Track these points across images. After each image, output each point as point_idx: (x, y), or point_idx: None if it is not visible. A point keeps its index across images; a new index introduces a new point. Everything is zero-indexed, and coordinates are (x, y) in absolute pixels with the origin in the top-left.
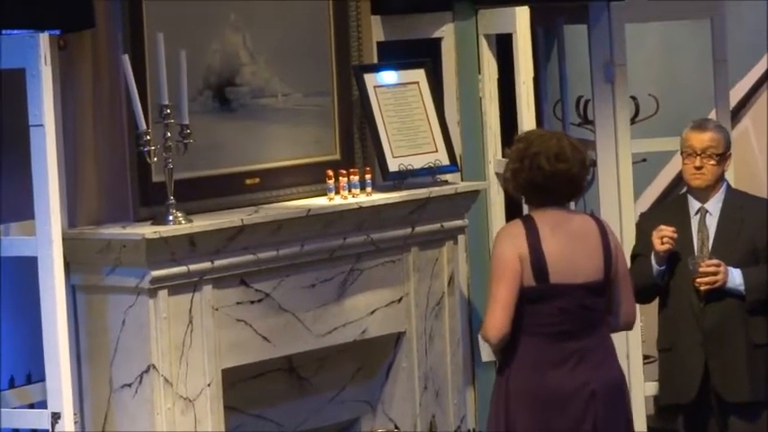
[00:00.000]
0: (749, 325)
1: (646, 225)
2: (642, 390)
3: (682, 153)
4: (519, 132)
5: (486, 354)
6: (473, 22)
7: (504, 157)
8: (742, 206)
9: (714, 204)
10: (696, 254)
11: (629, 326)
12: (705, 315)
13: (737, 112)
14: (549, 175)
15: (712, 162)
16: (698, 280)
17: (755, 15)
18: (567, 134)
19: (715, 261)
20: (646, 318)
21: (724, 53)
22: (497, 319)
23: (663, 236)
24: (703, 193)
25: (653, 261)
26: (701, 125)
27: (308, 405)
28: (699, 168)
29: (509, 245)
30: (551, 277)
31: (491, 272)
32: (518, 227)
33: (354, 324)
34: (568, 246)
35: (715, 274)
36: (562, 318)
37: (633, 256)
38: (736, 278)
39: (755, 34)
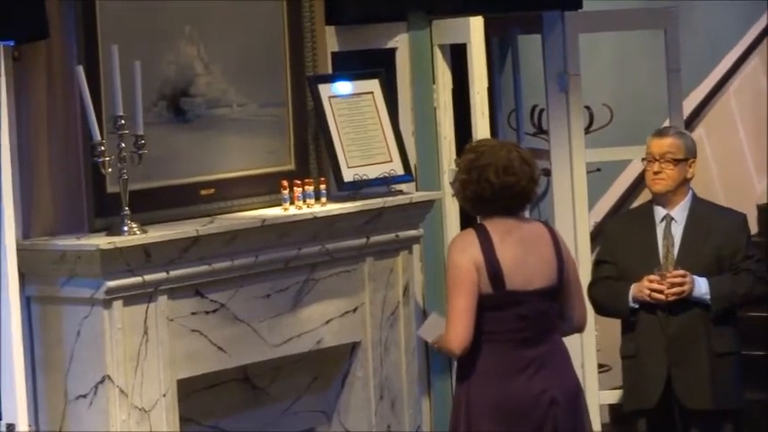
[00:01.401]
0: (712, 334)
1: (612, 231)
2: (597, 398)
3: (643, 160)
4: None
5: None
6: (427, 32)
7: (455, 166)
8: (708, 215)
9: (680, 212)
10: (662, 261)
11: (581, 329)
12: (669, 323)
13: (691, 122)
14: (497, 189)
15: (671, 167)
16: (665, 291)
17: (707, 26)
18: (517, 146)
19: (681, 272)
20: (601, 327)
21: (677, 63)
22: (459, 330)
23: (653, 290)
24: (668, 200)
25: (630, 297)
26: (661, 131)
27: (263, 415)
28: (657, 173)
29: (464, 254)
30: (507, 284)
31: (448, 283)
32: (471, 235)
33: (310, 334)
34: (522, 252)
35: (681, 284)
36: (521, 324)
37: (597, 262)
38: (702, 287)
39: (708, 44)
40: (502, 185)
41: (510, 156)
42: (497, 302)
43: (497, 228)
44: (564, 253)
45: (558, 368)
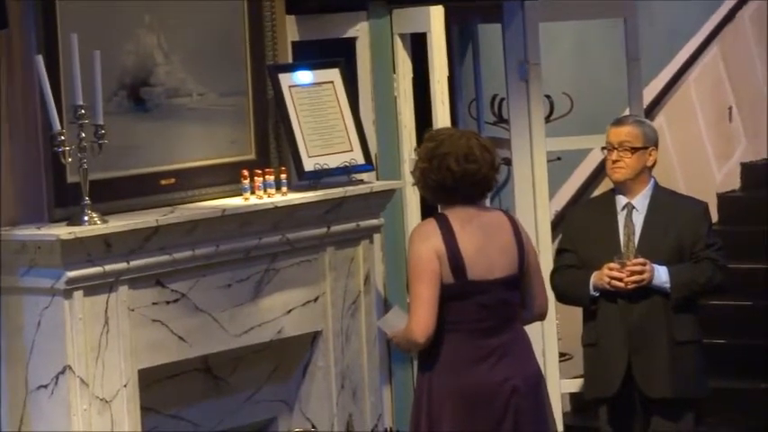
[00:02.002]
0: (673, 322)
1: (573, 219)
2: (559, 387)
3: (603, 149)
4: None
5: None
6: (387, 21)
7: (415, 155)
8: (669, 204)
9: (641, 201)
10: (622, 250)
11: (542, 316)
12: (629, 311)
13: (651, 110)
14: (459, 177)
15: (629, 155)
16: (624, 279)
17: (667, 15)
18: (476, 134)
19: (641, 260)
20: (562, 316)
21: (637, 52)
22: (422, 319)
23: (613, 277)
24: (628, 189)
25: (590, 285)
26: (620, 120)
27: (224, 405)
28: (616, 162)
29: (425, 244)
30: (469, 273)
31: (410, 273)
32: (432, 225)
33: (270, 324)
34: (483, 241)
35: (641, 272)
36: (482, 314)
37: (558, 250)
38: (662, 275)
39: (667, 34)
40: (463, 173)
41: (470, 143)
42: (459, 292)
43: (458, 217)
44: (525, 241)
45: (519, 357)
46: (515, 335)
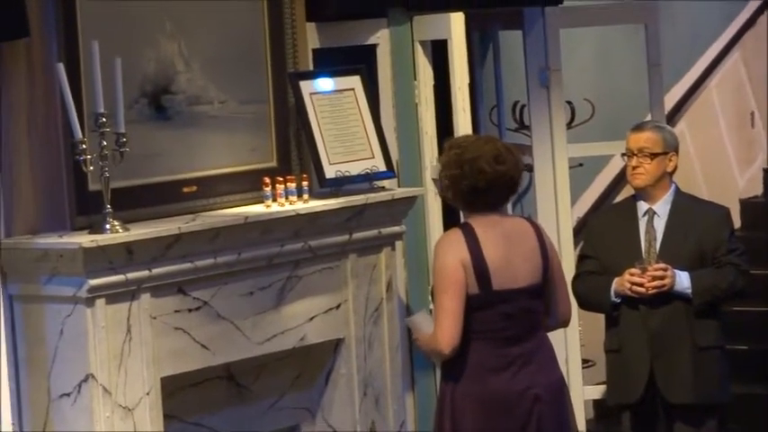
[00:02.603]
0: (695, 328)
1: (594, 225)
2: (582, 394)
3: (623, 155)
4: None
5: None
6: (408, 28)
7: (438, 164)
8: (690, 209)
9: (662, 206)
10: (644, 256)
11: (566, 323)
12: (651, 317)
13: (673, 116)
14: (491, 178)
15: (648, 161)
16: (646, 284)
17: (688, 20)
18: (496, 138)
19: (662, 265)
20: (585, 322)
21: (658, 58)
22: (448, 331)
23: (634, 283)
24: (649, 195)
25: (612, 291)
26: (639, 126)
27: (247, 412)
28: (636, 168)
29: (451, 254)
30: (494, 284)
31: (436, 284)
32: (457, 235)
33: (293, 331)
34: (508, 251)
35: (662, 278)
36: (506, 323)
37: (580, 257)
38: (683, 281)
39: (689, 39)
40: (495, 174)
41: (496, 146)
42: (484, 302)
43: (483, 226)
44: (548, 249)
45: (542, 364)
46: (538, 343)
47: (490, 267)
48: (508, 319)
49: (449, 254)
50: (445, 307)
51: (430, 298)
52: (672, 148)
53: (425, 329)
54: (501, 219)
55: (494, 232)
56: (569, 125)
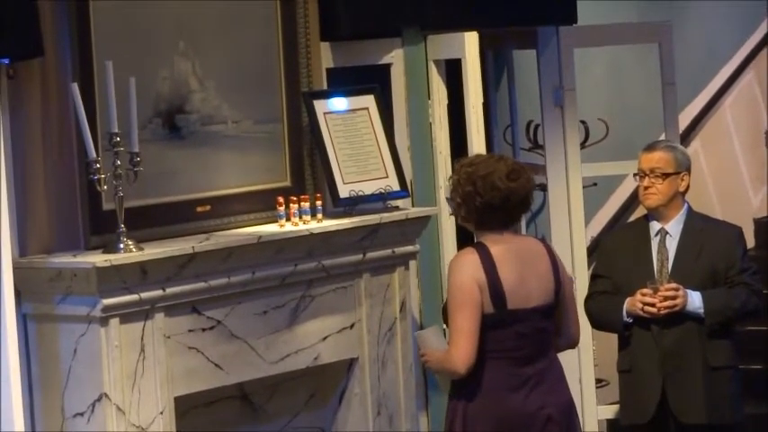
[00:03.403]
0: (707, 347)
1: (607, 245)
2: (595, 413)
3: (635, 175)
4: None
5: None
6: (422, 47)
7: (450, 184)
8: (702, 229)
9: (674, 226)
10: (656, 276)
11: (575, 344)
12: (663, 337)
13: (687, 135)
14: (505, 195)
15: (660, 181)
16: (657, 304)
17: (702, 39)
18: (506, 156)
19: (674, 285)
20: (599, 342)
21: (672, 77)
22: (464, 349)
23: (646, 303)
24: (661, 214)
25: (624, 312)
26: (651, 146)
27: None
28: (648, 188)
29: (466, 273)
30: (509, 303)
31: (450, 303)
32: (473, 254)
33: (307, 351)
34: (522, 271)
35: (674, 298)
36: (520, 343)
37: (593, 276)
38: (695, 301)
39: (703, 58)
40: (509, 191)
41: (508, 162)
42: (498, 321)
43: (497, 245)
44: (561, 270)
45: (553, 385)
46: (549, 363)
47: (505, 287)
48: (522, 338)
49: (464, 273)
50: (460, 326)
51: (442, 317)
52: (684, 167)
53: (436, 346)
54: (514, 238)
55: (508, 251)
56: (583, 145)
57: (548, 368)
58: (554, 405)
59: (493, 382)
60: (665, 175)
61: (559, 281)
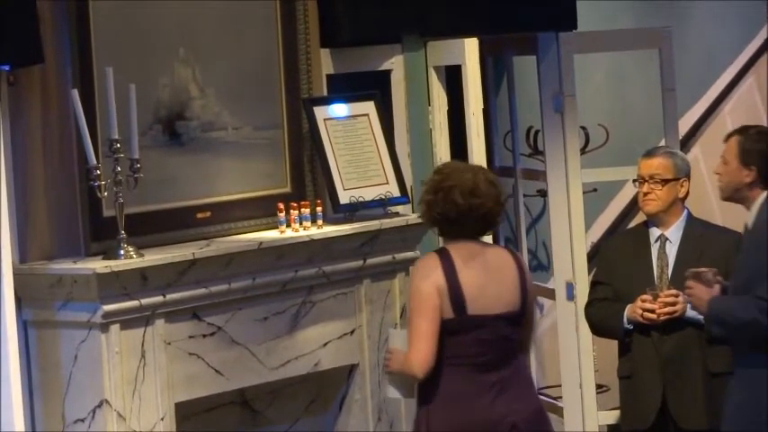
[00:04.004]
0: (707, 354)
1: (607, 252)
2: (596, 419)
3: (634, 181)
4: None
5: (392, 391)
6: (422, 53)
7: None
8: (702, 235)
9: (674, 232)
10: (656, 282)
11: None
12: (664, 343)
13: (687, 141)
14: (464, 210)
15: (659, 187)
16: (657, 310)
17: (702, 46)
18: (484, 168)
19: (673, 291)
20: (599, 348)
21: (672, 83)
22: (422, 353)
23: (646, 309)
24: (661, 221)
25: (624, 318)
26: (650, 152)
27: None
28: (647, 194)
29: (426, 279)
30: (469, 308)
31: (411, 306)
32: (434, 260)
33: (307, 357)
34: (484, 277)
35: (673, 304)
36: (482, 349)
37: (593, 283)
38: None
39: (703, 64)
40: (468, 207)
41: (476, 178)
42: (459, 327)
43: (461, 252)
44: (528, 280)
45: (520, 393)
46: (516, 371)
47: (465, 292)
48: (484, 345)
49: (424, 279)
50: (420, 329)
51: (399, 321)
52: (683, 173)
53: (399, 346)
54: (480, 247)
55: (471, 258)
56: (583, 150)
57: (514, 376)
58: (520, 413)
59: (456, 389)
60: (665, 181)
61: (526, 290)
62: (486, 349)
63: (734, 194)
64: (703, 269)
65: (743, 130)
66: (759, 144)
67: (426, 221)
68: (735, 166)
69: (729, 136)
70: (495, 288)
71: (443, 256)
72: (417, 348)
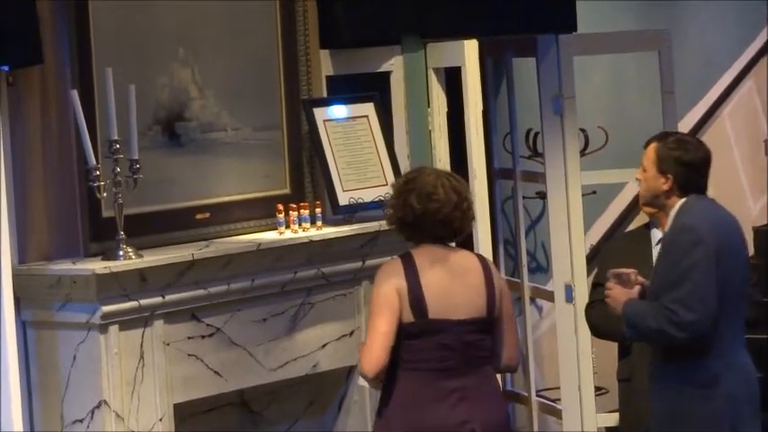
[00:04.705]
0: None
1: (609, 253)
2: (595, 421)
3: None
4: (469, 165)
5: (362, 379)
6: (422, 55)
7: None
8: None
9: None
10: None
11: (510, 369)
12: None
13: None
14: (419, 214)
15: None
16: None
17: (702, 47)
18: (451, 174)
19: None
20: (598, 350)
21: (671, 85)
22: (374, 354)
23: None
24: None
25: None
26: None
27: None
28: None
29: (387, 282)
30: (430, 313)
31: (370, 308)
32: (396, 264)
33: (306, 358)
34: (448, 282)
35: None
36: (443, 353)
37: (594, 285)
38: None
39: (702, 66)
40: (423, 211)
41: (436, 182)
42: (419, 331)
43: (425, 256)
44: (496, 286)
45: (484, 401)
46: (481, 379)
47: (426, 296)
48: (445, 350)
49: (385, 281)
50: (375, 330)
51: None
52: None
53: None
54: (446, 251)
55: (434, 262)
56: (583, 152)
57: (477, 383)
58: (481, 421)
59: (415, 393)
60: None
61: (493, 296)
62: (448, 354)
63: (653, 201)
64: (625, 270)
65: (662, 137)
66: (675, 152)
67: (390, 225)
68: (653, 174)
69: (648, 143)
70: (460, 293)
71: (406, 260)
72: (370, 349)
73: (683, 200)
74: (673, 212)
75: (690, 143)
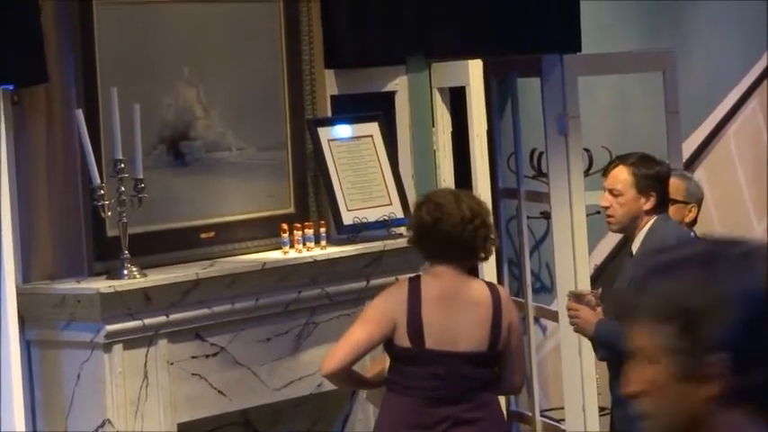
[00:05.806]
0: None
1: (613, 274)
2: None
3: None
4: (473, 185)
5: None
6: (426, 75)
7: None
8: None
9: None
10: None
11: (515, 392)
12: None
13: (691, 164)
14: (430, 225)
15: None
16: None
17: (706, 68)
18: (474, 197)
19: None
20: (602, 370)
21: (676, 105)
22: (337, 354)
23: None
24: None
25: None
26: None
27: None
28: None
29: (386, 301)
30: (427, 342)
31: (359, 315)
32: (402, 287)
33: (310, 377)
34: (452, 313)
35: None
36: (436, 383)
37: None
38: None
39: (707, 86)
40: (433, 222)
41: (450, 197)
42: (415, 358)
43: (433, 282)
44: (504, 319)
45: (479, 425)
46: (477, 406)
47: (426, 325)
48: (438, 380)
49: (385, 300)
50: (351, 336)
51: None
52: (693, 198)
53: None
54: (456, 279)
55: (441, 290)
56: (587, 172)
57: (472, 410)
58: None
59: (404, 419)
60: (673, 201)
61: (499, 330)
62: (441, 384)
63: (629, 224)
64: (584, 291)
65: (625, 159)
66: (652, 170)
67: (409, 244)
68: (632, 196)
69: (613, 167)
70: (463, 325)
71: (413, 283)
72: (336, 348)
73: (653, 219)
74: (642, 233)
75: (654, 159)
